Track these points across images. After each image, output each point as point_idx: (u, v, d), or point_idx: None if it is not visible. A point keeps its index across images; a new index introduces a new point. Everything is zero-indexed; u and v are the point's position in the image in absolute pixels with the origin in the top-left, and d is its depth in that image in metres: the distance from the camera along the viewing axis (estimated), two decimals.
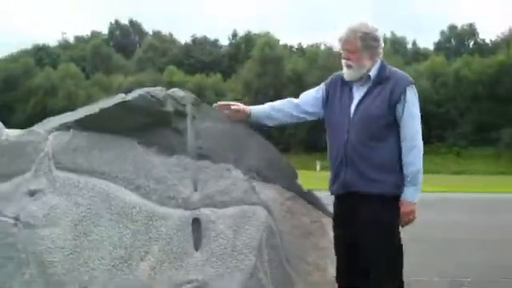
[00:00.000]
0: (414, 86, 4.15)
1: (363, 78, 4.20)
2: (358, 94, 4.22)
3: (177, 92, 4.17)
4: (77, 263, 3.72)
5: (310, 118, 4.55)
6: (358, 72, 4.17)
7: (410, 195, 4.10)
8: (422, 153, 4.13)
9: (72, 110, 4.29)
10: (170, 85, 4.07)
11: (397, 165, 4.11)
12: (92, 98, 46.52)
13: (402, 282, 4.23)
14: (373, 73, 4.16)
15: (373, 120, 4.10)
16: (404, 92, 4.08)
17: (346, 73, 4.23)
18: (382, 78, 4.15)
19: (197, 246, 4.03)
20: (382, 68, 4.19)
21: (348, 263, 4.34)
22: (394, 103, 4.07)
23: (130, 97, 3.97)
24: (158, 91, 4.05)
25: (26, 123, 3.97)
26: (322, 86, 4.48)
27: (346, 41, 4.17)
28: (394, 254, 4.17)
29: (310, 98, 4.48)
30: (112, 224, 3.84)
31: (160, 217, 3.95)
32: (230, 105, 4.29)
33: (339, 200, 4.33)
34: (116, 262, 3.81)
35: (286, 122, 4.59)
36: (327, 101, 4.41)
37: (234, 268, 4.08)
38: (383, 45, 4.29)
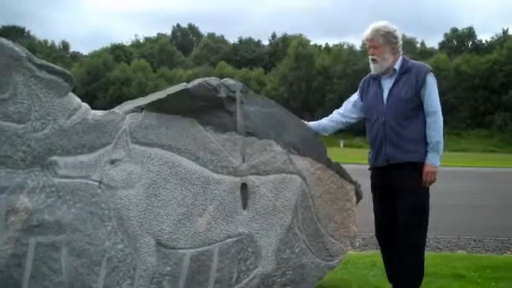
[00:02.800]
0: (432, 73, 4.25)
1: (390, 71, 4.31)
2: (386, 84, 4.34)
3: (228, 81, 4.15)
4: (149, 218, 3.77)
5: (354, 121, 4.68)
6: (382, 65, 4.30)
7: (432, 159, 4.19)
8: (441, 126, 4.22)
9: (143, 96, 4.32)
10: (221, 77, 4.07)
11: (425, 138, 4.22)
12: (158, 87, 46.80)
13: (425, 234, 4.35)
14: (397, 66, 4.30)
15: (404, 103, 4.22)
16: (425, 78, 4.18)
17: (372, 67, 4.40)
18: (405, 69, 4.27)
19: (244, 206, 4.05)
20: (404, 61, 4.32)
21: (386, 223, 4.39)
22: (418, 88, 4.19)
23: (190, 85, 3.97)
24: (213, 80, 4.05)
25: (106, 107, 4.01)
26: (358, 91, 4.62)
27: (371, 39, 4.31)
28: (422, 210, 4.26)
29: (350, 106, 4.65)
30: (176, 187, 3.87)
31: (215, 182, 3.97)
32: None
33: (378, 172, 4.46)
34: (180, 217, 3.85)
35: (338, 128, 4.72)
36: (362, 98, 4.55)
37: (275, 224, 4.09)
38: (401, 42, 4.38)
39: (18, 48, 3.56)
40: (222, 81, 4.10)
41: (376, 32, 4.28)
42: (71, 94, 3.72)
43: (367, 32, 4.33)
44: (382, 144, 4.31)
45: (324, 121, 4.65)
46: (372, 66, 4.36)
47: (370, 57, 4.35)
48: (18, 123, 3.52)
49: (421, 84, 4.16)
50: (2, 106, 3.48)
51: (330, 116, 4.68)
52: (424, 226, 4.28)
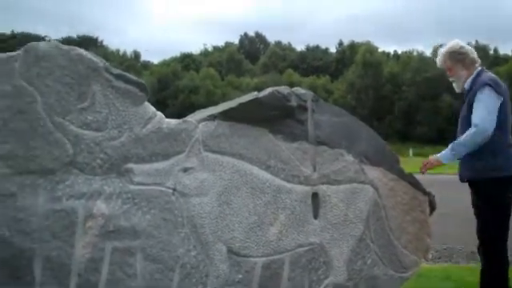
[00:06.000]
0: (486, 87, 4.19)
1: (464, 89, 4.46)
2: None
3: (299, 90, 4.19)
4: (221, 225, 3.83)
5: None
6: (459, 82, 4.46)
7: (441, 153, 4.35)
8: (475, 138, 4.14)
9: (211, 105, 4.40)
10: (288, 85, 4.13)
11: (491, 153, 4.19)
12: (226, 95, 47.25)
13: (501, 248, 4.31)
14: (466, 85, 4.40)
15: (465, 120, 4.31)
16: (476, 94, 4.21)
17: (454, 87, 4.55)
18: (472, 86, 4.33)
19: (315, 215, 4.06)
20: (474, 77, 4.36)
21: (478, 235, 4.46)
22: (471, 104, 4.24)
23: (261, 94, 4.02)
24: (284, 89, 4.09)
25: (175, 115, 4.11)
26: None
27: (442, 64, 4.52)
28: (488, 223, 4.30)
29: None
30: (248, 195, 3.92)
31: (286, 191, 4.00)
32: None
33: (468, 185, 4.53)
34: (251, 225, 3.90)
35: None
36: None
37: (346, 234, 4.08)
38: (472, 54, 4.44)
39: (96, 59, 3.71)
40: (292, 90, 4.13)
41: (443, 57, 4.49)
42: (146, 103, 3.84)
43: (437, 60, 4.57)
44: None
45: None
46: (454, 86, 4.53)
47: (449, 78, 4.53)
48: (95, 131, 3.66)
49: (472, 100, 4.22)
50: (82, 114, 3.63)
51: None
52: (496, 240, 4.24)
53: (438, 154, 4.35)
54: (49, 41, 3.71)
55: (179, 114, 4.33)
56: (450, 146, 4.29)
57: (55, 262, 3.54)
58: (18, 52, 3.58)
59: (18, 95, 3.52)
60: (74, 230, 3.58)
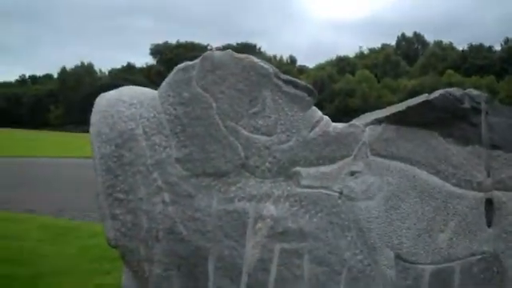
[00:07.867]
0: None
1: None
2: None
3: (472, 91, 4.03)
4: (388, 231, 3.78)
5: None
6: None
7: None
8: None
9: (367, 108, 4.37)
10: (448, 86, 3.97)
11: None
12: (382, 98, 46.49)
13: None
14: None
15: None
16: None
17: None
18: None
19: (489, 223, 3.88)
20: None
21: None
22: None
23: (432, 96, 3.92)
24: (456, 91, 3.96)
25: (332, 118, 4.12)
26: None
27: None
28: None
29: None
30: (416, 201, 3.84)
31: (456, 197, 3.86)
32: None
33: None
34: (420, 231, 3.80)
35: None
36: None
37: None
38: None
39: (266, 65, 3.85)
40: (465, 91, 3.99)
41: None
42: (314, 107, 3.92)
43: None
44: None
45: None
46: None
47: None
48: (265, 135, 3.79)
49: None
50: (253, 119, 3.78)
51: None
52: None
53: None
54: (223, 50, 3.91)
55: (335, 117, 4.34)
56: None
57: (227, 260, 3.72)
58: (195, 61, 3.82)
59: (195, 102, 3.76)
60: (245, 231, 3.73)
